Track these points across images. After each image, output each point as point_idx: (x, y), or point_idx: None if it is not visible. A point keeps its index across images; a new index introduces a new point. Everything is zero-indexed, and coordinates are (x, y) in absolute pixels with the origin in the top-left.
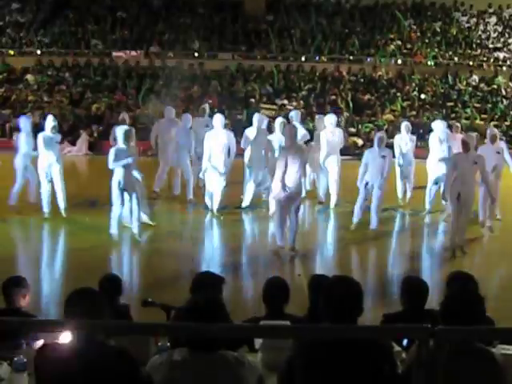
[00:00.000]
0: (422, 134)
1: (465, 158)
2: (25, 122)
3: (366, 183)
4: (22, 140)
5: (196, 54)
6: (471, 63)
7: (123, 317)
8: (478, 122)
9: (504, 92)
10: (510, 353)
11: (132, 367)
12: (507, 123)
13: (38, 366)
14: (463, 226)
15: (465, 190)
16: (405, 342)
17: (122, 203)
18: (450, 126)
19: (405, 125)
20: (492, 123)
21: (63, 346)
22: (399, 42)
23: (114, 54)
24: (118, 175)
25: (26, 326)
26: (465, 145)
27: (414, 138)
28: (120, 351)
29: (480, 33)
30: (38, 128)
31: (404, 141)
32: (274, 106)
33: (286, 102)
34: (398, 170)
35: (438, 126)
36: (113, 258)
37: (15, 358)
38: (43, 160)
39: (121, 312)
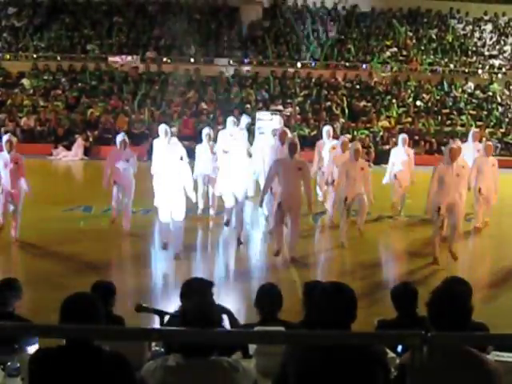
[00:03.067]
0: (417, 140)
1: (449, 169)
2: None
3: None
4: None
5: (192, 60)
6: (467, 70)
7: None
8: (473, 128)
9: (499, 99)
10: (504, 359)
11: (126, 372)
12: (502, 130)
13: (32, 370)
14: (452, 237)
15: (449, 201)
16: (399, 348)
17: None
18: None
19: (401, 138)
20: (487, 130)
21: (57, 350)
22: (395, 49)
23: (110, 58)
24: None
25: (21, 330)
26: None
27: (412, 152)
28: (114, 356)
29: (475, 40)
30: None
31: (399, 155)
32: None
33: (281, 107)
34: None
35: None
36: (107, 263)
37: (8, 363)
38: None
39: (116, 323)
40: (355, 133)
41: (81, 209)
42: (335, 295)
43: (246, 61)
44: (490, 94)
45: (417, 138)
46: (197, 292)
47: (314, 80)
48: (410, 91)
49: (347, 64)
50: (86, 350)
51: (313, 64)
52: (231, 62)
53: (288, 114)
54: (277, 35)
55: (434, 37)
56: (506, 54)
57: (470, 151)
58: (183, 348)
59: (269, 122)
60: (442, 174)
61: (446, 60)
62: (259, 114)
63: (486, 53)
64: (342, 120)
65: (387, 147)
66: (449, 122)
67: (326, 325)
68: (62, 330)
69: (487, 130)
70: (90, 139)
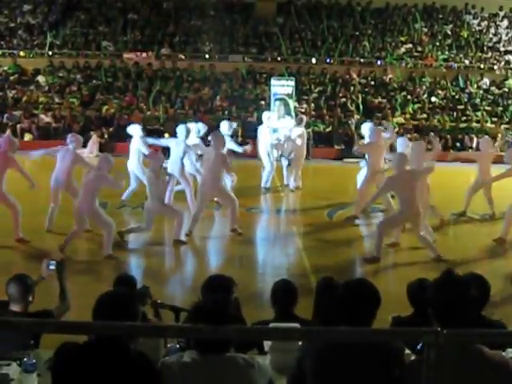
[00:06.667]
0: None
1: None
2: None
3: None
4: None
5: (207, 56)
6: (482, 66)
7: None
8: (488, 125)
9: None
10: None
11: (150, 372)
12: None
13: (56, 363)
14: None
15: None
16: (420, 345)
17: None
18: None
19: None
20: (503, 126)
21: (84, 346)
22: (410, 45)
23: (125, 55)
24: None
25: (40, 327)
26: None
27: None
28: (139, 354)
29: (491, 36)
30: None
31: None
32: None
33: (296, 104)
34: None
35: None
36: (125, 260)
37: (25, 359)
38: None
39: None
40: None
41: None
42: (360, 292)
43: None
44: (506, 89)
45: (432, 134)
46: (219, 289)
47: (328, 76)
48: (425, 87)
49: (362, 60)
50: (113, 346)
51: (328, 60)
52: (246, 58)
53: (303, 110)
54: (291, 31)
55: (449, 33)
56: None
57: None
58: (199, 344)
59: (283, 87)
60: None
61: (462, 56)
62: (274, 80)
63: (502, 48)
64: (356, 116)
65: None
66: (464, 118)
67: (345, 320)
68: (82, 328)
69: (503, 126)
70: (105, 136)
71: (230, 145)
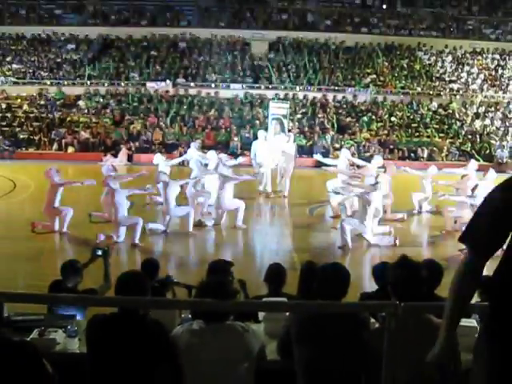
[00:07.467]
0: (392, 149)
1: None
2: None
3: None
4: None
5: (213, 85)
6: (431, 92)
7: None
8: (436, 139)
9: (457, 115)
10: (465, 324)
11: (164, 337)
12: (460, 141)
13: (89, 331)
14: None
15: None
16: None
17: None
18: None
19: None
20: (448, 141)
21: (110, 316)
22: (374, 76)
23: (148, 84)
24: None
25: (79, 301)
26: None
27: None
28: (155, 323)
29: (438, 68)
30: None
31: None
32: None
33: None
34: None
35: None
36: (149, 248)
37: (68, 327)
38: None
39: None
40: (342, 143)
41: None
42: (333, 273)
43: (255, 85)
44: (450, 111)
45: (392, 147)
46: (220, 270)
47: (309, 101)
48: (386, 109)
49: (336, 88)
50: (133, 317)
51: (308, 88)
52: (244, 86)
53: (289, 128)
54: (280, 65)
55: (405, 66)
56: (462, 80)
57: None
58: (205, 315)
59: (280, 109)
60: None
61: (415, 84)
62: (272, 103)
63: (447, 78)
64: (332, 133)
65: (368, 154)
66: (417, 134)
67: (323, 295)
68: (110, 301)
69: (447, 141)
70: (133, 149)
71: (230, 162)
